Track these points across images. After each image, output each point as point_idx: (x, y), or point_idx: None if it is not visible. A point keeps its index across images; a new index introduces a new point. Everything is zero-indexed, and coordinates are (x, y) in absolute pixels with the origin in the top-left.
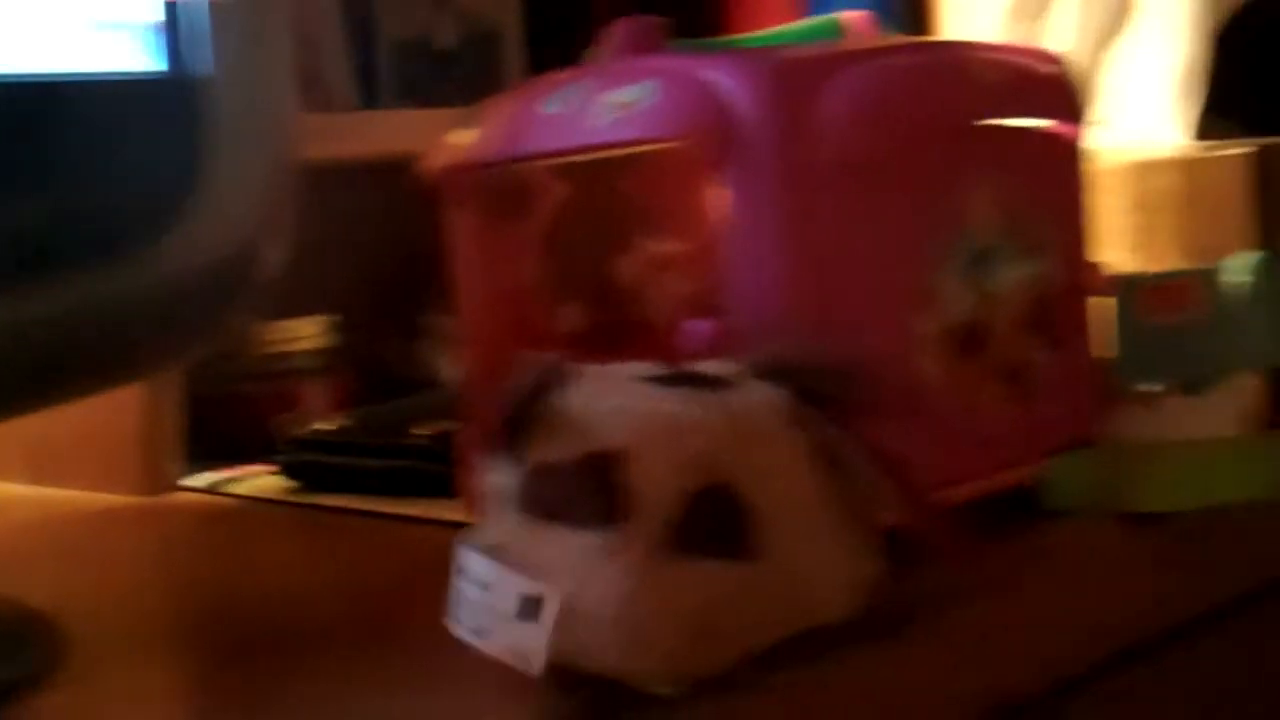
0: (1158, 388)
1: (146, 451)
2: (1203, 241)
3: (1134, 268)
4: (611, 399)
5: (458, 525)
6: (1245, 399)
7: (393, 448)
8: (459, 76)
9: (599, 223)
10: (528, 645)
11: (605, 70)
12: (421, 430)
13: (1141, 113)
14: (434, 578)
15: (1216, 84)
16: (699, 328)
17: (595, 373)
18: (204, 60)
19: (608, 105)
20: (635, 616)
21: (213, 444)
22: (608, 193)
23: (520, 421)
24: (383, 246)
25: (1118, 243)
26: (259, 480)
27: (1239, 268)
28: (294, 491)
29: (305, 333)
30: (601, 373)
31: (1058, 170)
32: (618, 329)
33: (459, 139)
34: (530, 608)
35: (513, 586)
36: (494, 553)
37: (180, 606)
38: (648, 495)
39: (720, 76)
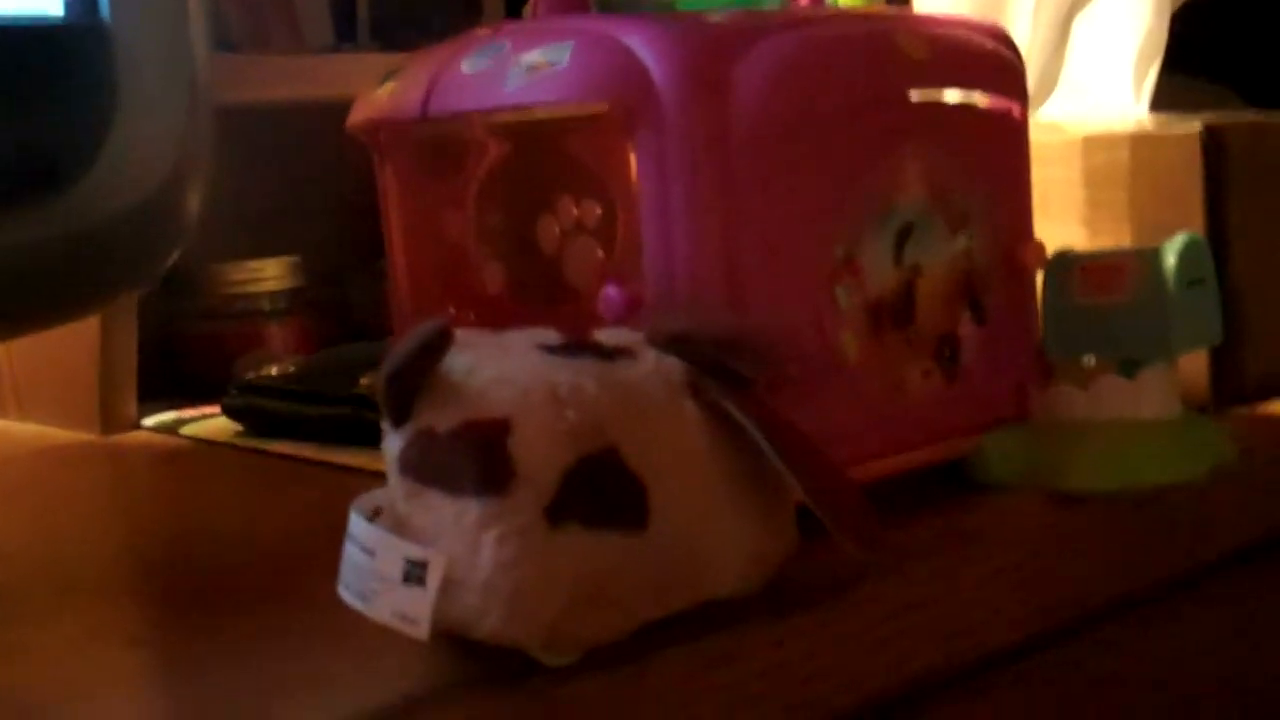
0: (1091, 367)
1: (103, 391)
2: (1151, 218)
3: (1083, 242)
4: (495, 366)
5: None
6: (1179, 381)
7: (335, 396)
8: (437, 18)
9: (529, 182)
10: (413, 610)
11: (524, 29)
12: (369, 379)
13: (1100, 83)
14: None
15: (1196, 51)
16: (612, 294)
17: (484, 339)
18: (105, 4)
19: (522, 66)
20: (514, 585)
21: (177, 382)
22: (548, 152)
23: (403, 385)
24: (352, 189)
25: (1068, 217)
26: (212, 422)
27: (1174, 249)
28: (242, 435)
29: (270, 274)
30: (491, 340)
31: (995, 146)
32: (539, 291)
33: (380, 93)
34: (415, 572)
35: (397, 551)
36: (377, 517)
37: (113, 546)
38: (527, 465)
39: (636, 41)
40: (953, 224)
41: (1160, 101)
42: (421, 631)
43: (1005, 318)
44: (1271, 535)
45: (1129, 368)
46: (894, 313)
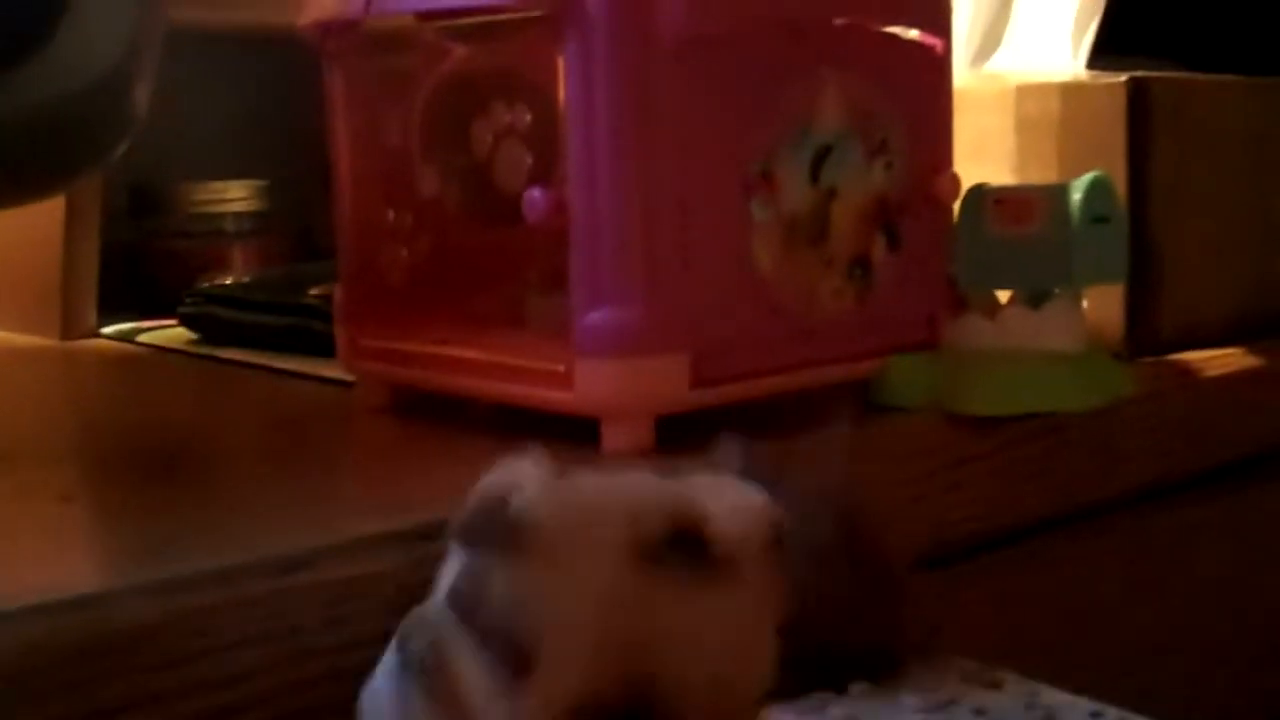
0: (1000, 298)
1: (65, 298)
2: (1078, 166)
3: None
4: None
5: (341, 383)
6: (1084, 317)
7: (286, 305)
8: None
9: (470, 88)
10: None
11: None
12: (319, 290)
13: (1041, 41)
14: (305, 425)
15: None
16: (536, 196)
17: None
18: None
19: None
20: None
21: (141, 298)
22: (489, 59)
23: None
24: (317, 112)
25: (1001, 164)
26: (170, 331)
27: (1080, 186)
28: (196, 344)
29: (235, 195)
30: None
31: (916, 77)
32: (471, 195)
33: None
34: None
35: None
36: None
37: (55, 426)
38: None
39: None
40: (871, 150)
41: (1099, 66)
42: None
43: (919, 246)
44: (1171, 474)
45: (1036, 300)
46: (808, 230)
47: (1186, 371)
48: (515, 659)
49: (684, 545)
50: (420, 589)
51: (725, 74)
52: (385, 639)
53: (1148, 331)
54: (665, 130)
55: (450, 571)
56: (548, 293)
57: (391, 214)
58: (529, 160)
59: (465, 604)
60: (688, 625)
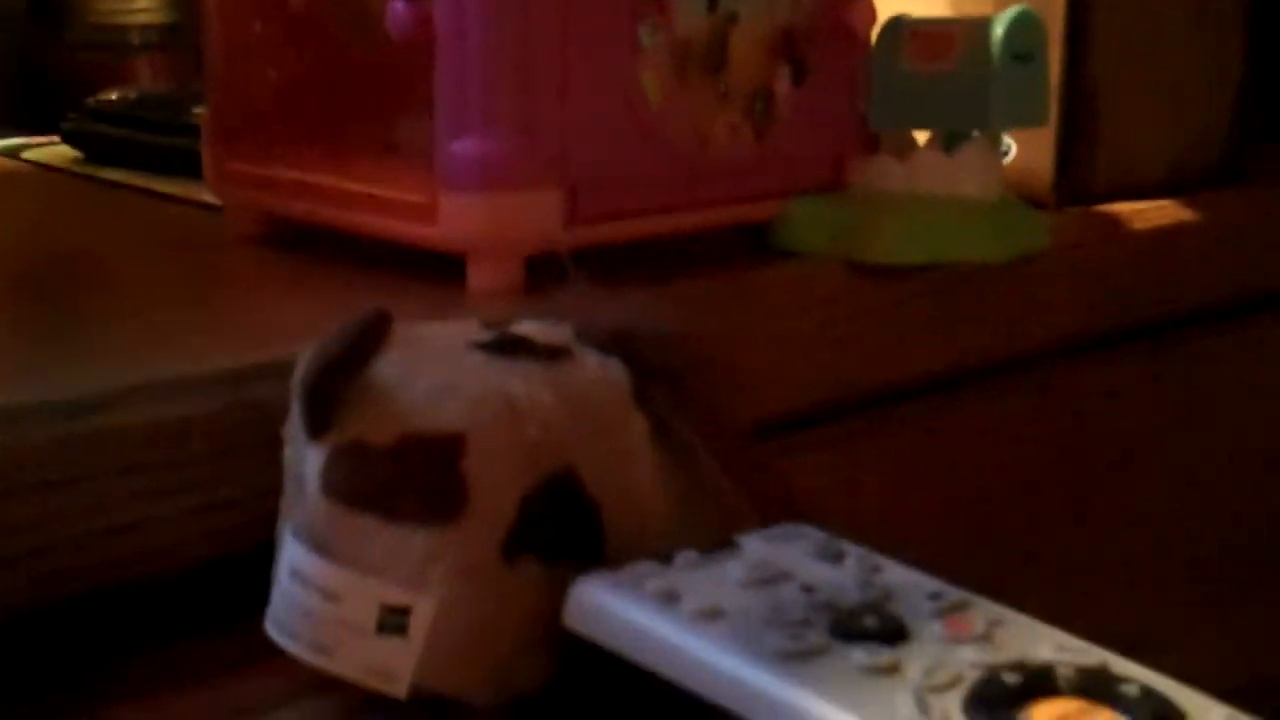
0: (913, 139)
1: None
2: None
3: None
4: (434, 371)
5: (219, 208)
6: (1000, 163)
7: (169, 126)
8: None
9: None
10: (391, 663)
11: None
12: (202, 110)
13: None
14: (167, 254)
15: None
16: (399, 10)
17: (414, 336)
18: None
19: None
20: (464, 627)
21: (41, 109)
22: None
23: (330, 389)
24: None
25: None
26: (57, 149)
27: (1003, 20)
28: (80, 162)
29: (142, 5)
30: (414, 336)
31: None
32: (342, 10)
33: None
34: (393, 621)
35: (371, 595)
36: (324, 552)
37: None
38: (482, 489)
39: None
40: None
41: None
42: (400, 689)
43: (828, 80)
44: (1089, 332)
45: (951, 142)
46: (703, 59)
47: (1114, 223)
48: (445, 498)
49: (512, 343)
50: (230, 435)
51: None
52: (186, 489)
53: (1078, 179)
54: None
55: (308, 471)
56: (420, 116)
57: (259, 26)
58: None
59: (354, 472)
60: (572, 410)
